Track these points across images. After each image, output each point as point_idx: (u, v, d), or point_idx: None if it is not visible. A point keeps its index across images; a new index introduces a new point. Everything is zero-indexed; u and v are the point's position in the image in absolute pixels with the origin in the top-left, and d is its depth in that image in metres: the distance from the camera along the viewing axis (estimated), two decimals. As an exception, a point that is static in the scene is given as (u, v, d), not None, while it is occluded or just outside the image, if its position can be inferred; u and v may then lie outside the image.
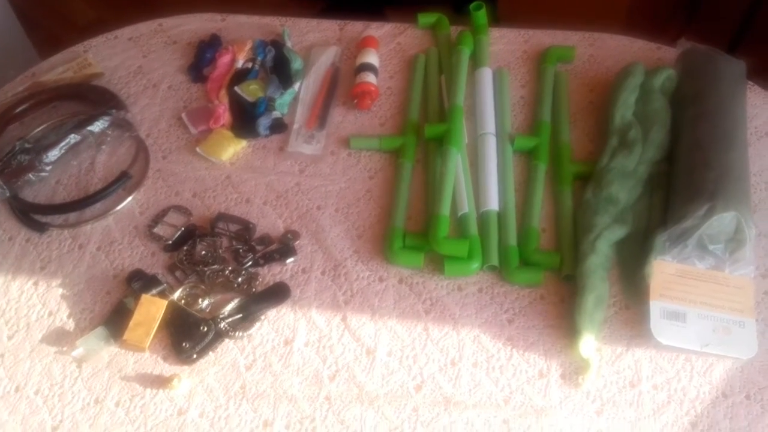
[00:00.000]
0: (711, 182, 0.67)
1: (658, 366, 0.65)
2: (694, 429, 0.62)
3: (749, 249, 0.67)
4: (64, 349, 0.69)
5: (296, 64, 0.88)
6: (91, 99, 0.86)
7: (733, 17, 1.42)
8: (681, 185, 0.70)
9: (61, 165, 0.82)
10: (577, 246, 0.70)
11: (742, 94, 0.77)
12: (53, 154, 0.80)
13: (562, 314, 0.68)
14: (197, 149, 0.82)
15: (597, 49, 0.89)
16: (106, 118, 0.82)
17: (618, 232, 0.70)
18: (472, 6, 0.90)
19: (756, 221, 0.72)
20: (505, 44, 0.91)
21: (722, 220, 0.66)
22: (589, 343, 0.65)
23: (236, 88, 0.86)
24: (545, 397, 0.64)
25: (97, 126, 0.82)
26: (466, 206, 0.75)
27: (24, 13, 1.40)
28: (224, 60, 0.89)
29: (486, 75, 0.86)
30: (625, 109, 0.77)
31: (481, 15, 0.90)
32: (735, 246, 0.67)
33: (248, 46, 0.91)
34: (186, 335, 0.68)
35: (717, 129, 0.72)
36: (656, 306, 0.66)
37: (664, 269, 0.67)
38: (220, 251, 0.74)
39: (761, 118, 0.81)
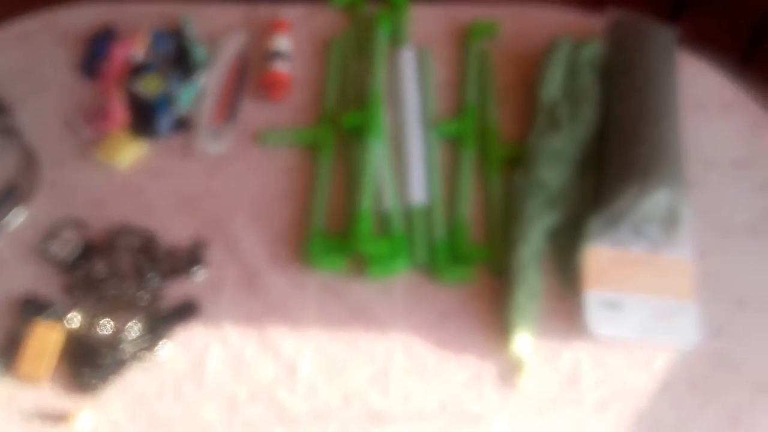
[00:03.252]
0: (640, 160, 0.63)
1: (599, 360, 0.62)
2: (639, 423, 0.59)
3: (685, 229, 0.64)
4: (-46, 388, 0.62)
5: (199, 54, 0.81)
6: (-29, 106, 0.78)
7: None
8: (610, 165, 0.66)
9: (-60, 183, 0.73)
10: (507, 235, 0.66)
11: (672, 63, 0.73)
12: (-72, 171, 0.72)
13: (496, 311, 0.64)
14: (93, 155, 0.74)
15: (524, 23, 0.84)
16: (-12, 126, 0.74)
17: (549, 219, 0.66)
18: (389, -18, 0.84)
19: (692, 199, 0.69)
20: (427, 22, 0.85)
21: (655, 200, 0.62)
22: (523, 340, 0.61)
23: (132, 85, 0.78)
24: (481, 402, 0.60)
25: (-23, 136, 0.74)
26: (390, 201, 0.70)
27: None
28: (119, 54, 0.81)
29: (406, 57, 0.80)
30: (551, 85, 0.72)
31: (399, -9, 0.84)
32: (670, 226, 0.63)
33: (146, 37, 0.83)
34: (86, 363, 0.62)
35: (645, 102, 0.68)
36: (591, 296, 0.62)
37: (597, 256, 0.63)
38: (122, 267, 0.68)
39: (697, 88, 0.77)
